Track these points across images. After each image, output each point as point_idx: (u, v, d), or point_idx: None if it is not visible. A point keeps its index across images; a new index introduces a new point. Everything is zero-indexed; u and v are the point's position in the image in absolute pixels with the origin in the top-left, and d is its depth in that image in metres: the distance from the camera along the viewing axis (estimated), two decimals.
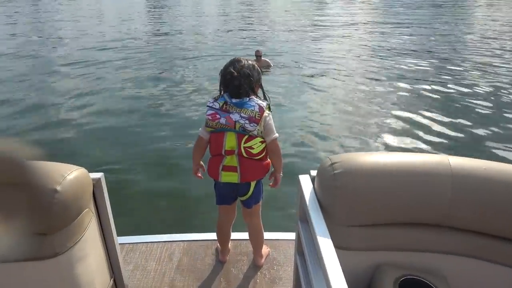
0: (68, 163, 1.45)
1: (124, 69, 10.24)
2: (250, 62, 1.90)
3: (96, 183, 1.57)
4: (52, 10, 34.54)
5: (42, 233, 1.32)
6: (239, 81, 1.81)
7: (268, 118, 1.84)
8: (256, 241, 2.21)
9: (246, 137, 1.81)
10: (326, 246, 1.09)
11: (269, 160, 1.97)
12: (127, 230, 2.57)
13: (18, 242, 1.30)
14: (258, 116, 1.79)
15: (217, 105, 1.83)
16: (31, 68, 10.76)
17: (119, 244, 1.91)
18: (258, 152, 1.86)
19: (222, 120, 1.80)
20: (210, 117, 1.83)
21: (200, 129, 1.95)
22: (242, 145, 1.82)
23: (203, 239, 2.45)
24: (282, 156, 1.99)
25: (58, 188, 1.28)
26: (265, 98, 1.95)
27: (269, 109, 1.89)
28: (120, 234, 1.96)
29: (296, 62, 10.93)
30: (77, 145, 5.48)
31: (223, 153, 1.86)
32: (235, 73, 1.81)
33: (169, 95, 7.79)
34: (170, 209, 3.90)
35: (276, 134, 1.89)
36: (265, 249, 2.31)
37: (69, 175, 1.34)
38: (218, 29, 18.79)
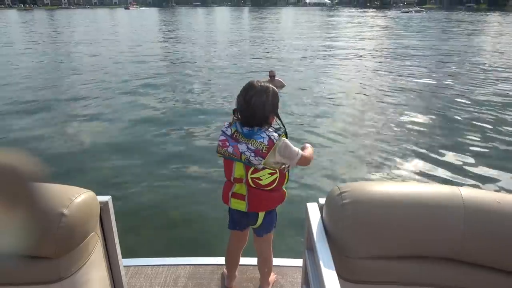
0: (75, 185, 1.45)
1: (135, 90, 10.41)
2: (263, 85, 1.76)
3: (104, 206, 1.56)
4: (68, 31, 35.70)
5: (47, 257, 1.31)
6: (250, 113, 1.73)
7: (283, 148, 1.74)
8: (264, 268, 2.15)
9: (252, 168, 1.76)
10: (330, 278, 1.06)
11: (283, 190, 1.90)
12: (134, 252, 2.55)
13: (22, 265, 1.30)
14: (265, 150, 1.69)
15: (229, 132, 1.78)
16: (43, 86, 11.02)
17: (124, 266, 1.89)
18: (268, 184, 1.79)
19: (230, 149, 1.75)
20: (220, 143, 1.78)
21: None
22: (250, 175, 1.77)
23: (209, 264, 2.41)
24: (290, 181, 1.93)
25: (65, 211, 1.27)
26: (282, 125, 1.85)
27: (286, 135, 1.81)
28: (126, 256, 1.94)
29: (308, 82, 11.00)
30: (85, 166, 5.49)
31: (232, 180, 1.84)
32: (246, 104, 1.73)
33: (179, 117, 7.86)
34: (177, 231, 3.87)
35: (299, 155, 1.77)
36: (272, 277, 2.25)
37: (77, 199, 1.34)
38: (231, 50, 19.13)
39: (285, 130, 1.82)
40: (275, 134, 1.73)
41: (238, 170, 1.79)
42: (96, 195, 1.51)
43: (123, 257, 1.79)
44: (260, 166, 1.72)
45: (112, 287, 1.74)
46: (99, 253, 1.56)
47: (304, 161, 1.82)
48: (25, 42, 24.46)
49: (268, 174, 1.77)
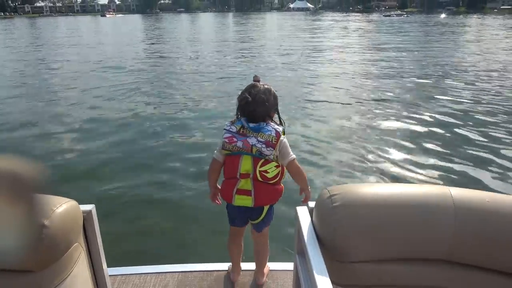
0: (57, 194, 1.40)
1: (116, 97, 10.29)
2: (266, 87, 1.92)
3: (87, 215, 1.52)
4: (51, 36, 35.23)
5: (28, 270, 1.26)
6: (254, 107, 1.84)
7: (283, 142, 1.86)
8: (260, 258, 2.21)
9: (262, 161, 1.83)
10: (323, 283, 1.05)
11: (282, 185, 1.97)
12: (121, 261, 2.49)
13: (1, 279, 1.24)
14: (274, 141, 1.81)
15: (234, 129, 1.86)
16: (25, 94, 10.84)
17: (111, 276, 1.84)
18: (273, 177, 1.87)
19: (239, 144, 1.83)
20: (227, 140, 1.85)
21: (215, 151, 1.97)
22: (258, 169, 1.84)
23: (199, 270, 2.38)
24: (283, 182, 1.98)
25: (47, 222, 1.23)
26: (280, 123, 1.97)
27: (284, 133, 1.91)
28: (112, 264, 1.90)
29: (293, 86, 11.06)
30: (66, 174, 5.34)
31: (238, 176, 1.87)
32: (250, 99, 1.85)
33: (163, 122, 7.78)
34: (165, 238, 3.80)
35: (293, 156, 1.89)
36: (267, 268, 2.31)
37: (58, 208, 1.29)
38: (216, 56, 19.13)
39: (284, 128, 1.93)
40: (280, 128, 1.86)
41: (245, 165, 1.85)
42: (79, 204, 1.46)
43: (109, 267, 1.75)
44: (272, 156, 1.82)
45: None
46: (83, 264, 1.51)
47: (296, 167, 1.92)
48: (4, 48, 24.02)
49: (274, 167, 1.86)
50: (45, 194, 1.27)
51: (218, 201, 2.09)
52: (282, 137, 1.84)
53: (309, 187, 2.02)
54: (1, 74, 14.11)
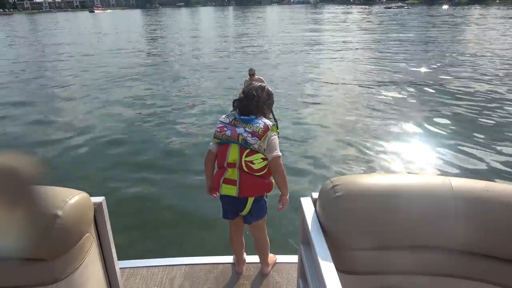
0: (69, 186, 1.43)
1: (125, 89, 10.37)
2: (260, 84, 2.07)
3: (98, 207, 1.55)
4: (50, 32, 35.05)
5: (42, 258, 1.29)
6: (245, 102, 1.98)
7: (273, 137, 1.93)
8: (260, 251, 2.25)
9: (247, 150, 1.88)
10: (328, 270, 1.07)
11: (271, 180, 1.99)
12: (128, 253, 2.54)
13: (16, 267, 1.28)
14: (261, 132, 1.88)
15: (227, 120, 1.97)
16: (31, 89, 10.88)
17: (120, 268, 1.88)
18: (259, 168, 1.92)
19: (228, 132, 1.92)
20: (218, 129, 1.95)
21: (210, 143, 2.04)
22: (243, 158, 1.89)
23: (205, 263, 2.41)
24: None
25: (59, 213, 1.26)
26: (274, 120, 2.03)
27: (277, 129, 1.97)
28: (121, 258, 1.93)
29: (290, 80, 11.06)
30: (78, 167, 5.45)
31: (225, 165, 1.93)
32: (243, 95, 2.00)
33: (171, 116, 7.84)
34: (172, 231, 3.85)
35: (279, 153, 1.92)
36: (271, 258, 2.35)
37: (70, 200, 1.33)
38: (214, 49, 19.11)
39: (277, 124, 2.02)
40: (270, 122, 1.93)
41: (232, 154, 1.92)
42: (90, 196, 1.49)
43: (118, 260, 1.78)
44: (256, 145, 1.87)
45: None
46: (94, 254, 1.55)
47: (278, 164, 1.93)
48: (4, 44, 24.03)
49: (261, 159, 1.91)
50: (41, 185, 1.29)
51: (214, 194, 2.12)
52: (271, 132, 1.92)
53: (288, 194, 2.03)
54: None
